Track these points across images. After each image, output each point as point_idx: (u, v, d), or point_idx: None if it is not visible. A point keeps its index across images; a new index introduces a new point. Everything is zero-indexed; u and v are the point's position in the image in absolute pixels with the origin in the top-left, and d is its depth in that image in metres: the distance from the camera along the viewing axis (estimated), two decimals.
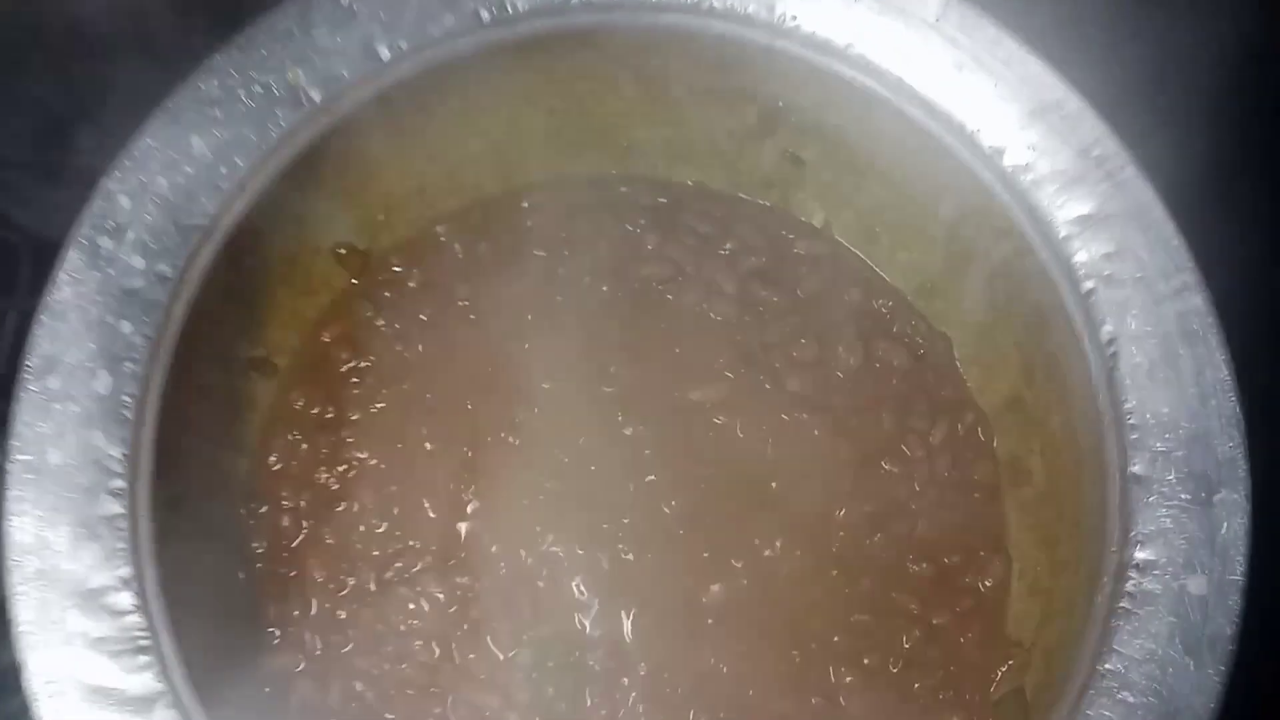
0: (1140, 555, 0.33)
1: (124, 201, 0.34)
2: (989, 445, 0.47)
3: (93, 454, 0.33)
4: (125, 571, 0.32)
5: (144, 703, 0.31)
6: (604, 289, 0.48)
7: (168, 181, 0.35)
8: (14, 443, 0.32)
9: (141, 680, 0.31)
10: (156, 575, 0.33)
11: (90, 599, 0.31)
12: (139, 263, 0.34)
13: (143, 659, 0.31)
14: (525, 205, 0.50)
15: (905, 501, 0.46)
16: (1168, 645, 0.32)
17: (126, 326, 0.34)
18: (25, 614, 0.31)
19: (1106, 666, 0.32)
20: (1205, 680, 0.32)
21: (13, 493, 0.32)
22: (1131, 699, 0.31)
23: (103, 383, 0.33)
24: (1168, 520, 0.33)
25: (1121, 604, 0.32)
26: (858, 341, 0.48)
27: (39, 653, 0.31)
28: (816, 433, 0.46)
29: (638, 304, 0.48)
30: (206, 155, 0.35)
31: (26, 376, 0.33)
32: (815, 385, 0.47)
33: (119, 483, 0.33)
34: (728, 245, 0.49)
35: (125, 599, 0.32)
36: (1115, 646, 0.32)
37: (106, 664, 0.31)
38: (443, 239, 0.49)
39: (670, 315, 0.48)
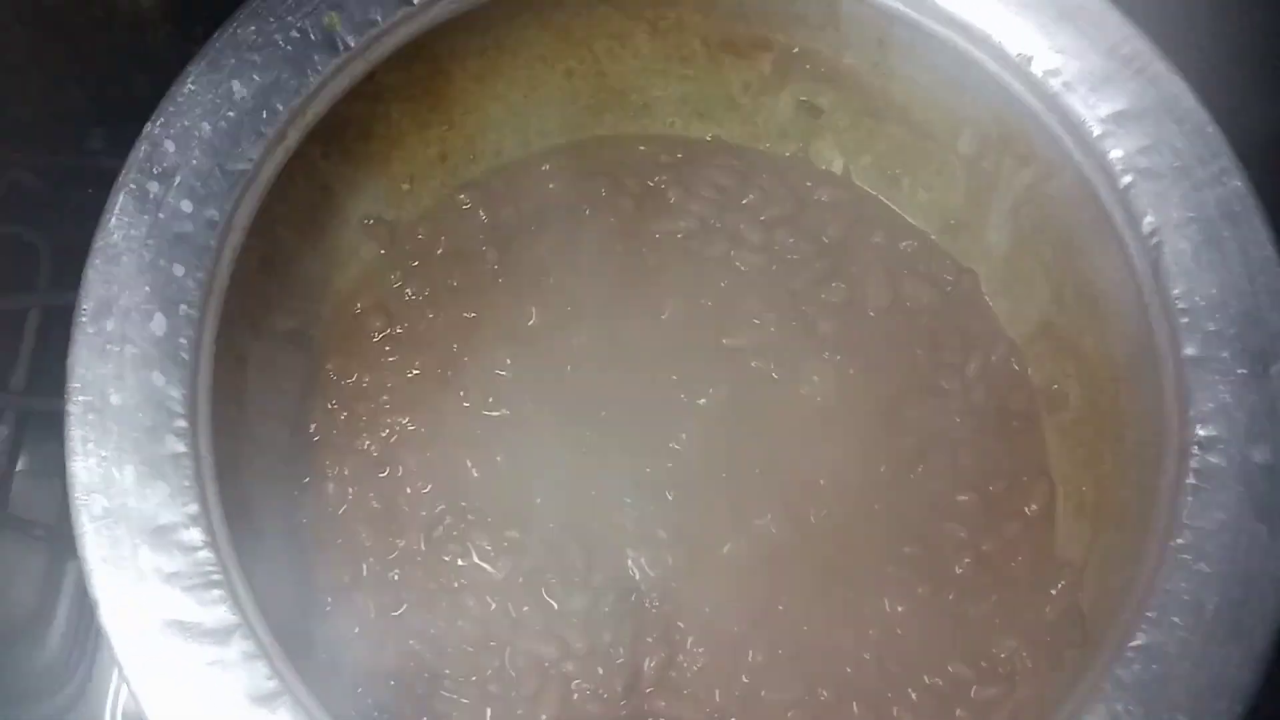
0: (1202, 432, 0.33)
1: (169, 146, 0.35)
2: (1023, 374, 0.47)
3: (153, 394, 0.33)
4: (193, 508, 0.32)
5: (221, 634, 0.31)
6: (630, 245, 0.49)
7: (211, 126, 0.35)
8: (73, 385, 0.32)
9: (217, 613, 0.31)
10: (222, 513, 0.32)
11: (160, 535, 0.31)
12: (187, 207, 0.34)
13: (216, 593, 0.31)
14: (546, 168, 0.50)
15: (945, 433, 0.46)
16: (1238, 515, 0.32)
17: (179, 270, 0.34)
18: (96, 552, 0.31)
19: (1179, 541, 0.32)
20: (1279, 546, 0.32)
21: (76, 433, 0.32)
22: (1208, 569, 0.31)
23: (159, 325, 0.33)
24: (1227, 395, 0.33)
25: (1188, 480, 0.33)
26: (886, 282, 0.48)
27: (112, 589, 0.30)
28: (852, 371, 0.47)
29: (665, 258, 0.48)
30: (247, 100, 0.36)
31: (82, 319, 0.33)
32: (847, 326, 0.47)
33: (181, 422, 0.33)
34: (750, 197, 0.50)
35: (195, 535, 0.31)
36: (1186, 522, 0.32)
37: (181, 598, 0.31)
38: (466, 206, 0.49)
39: (697, 267, 0.48)
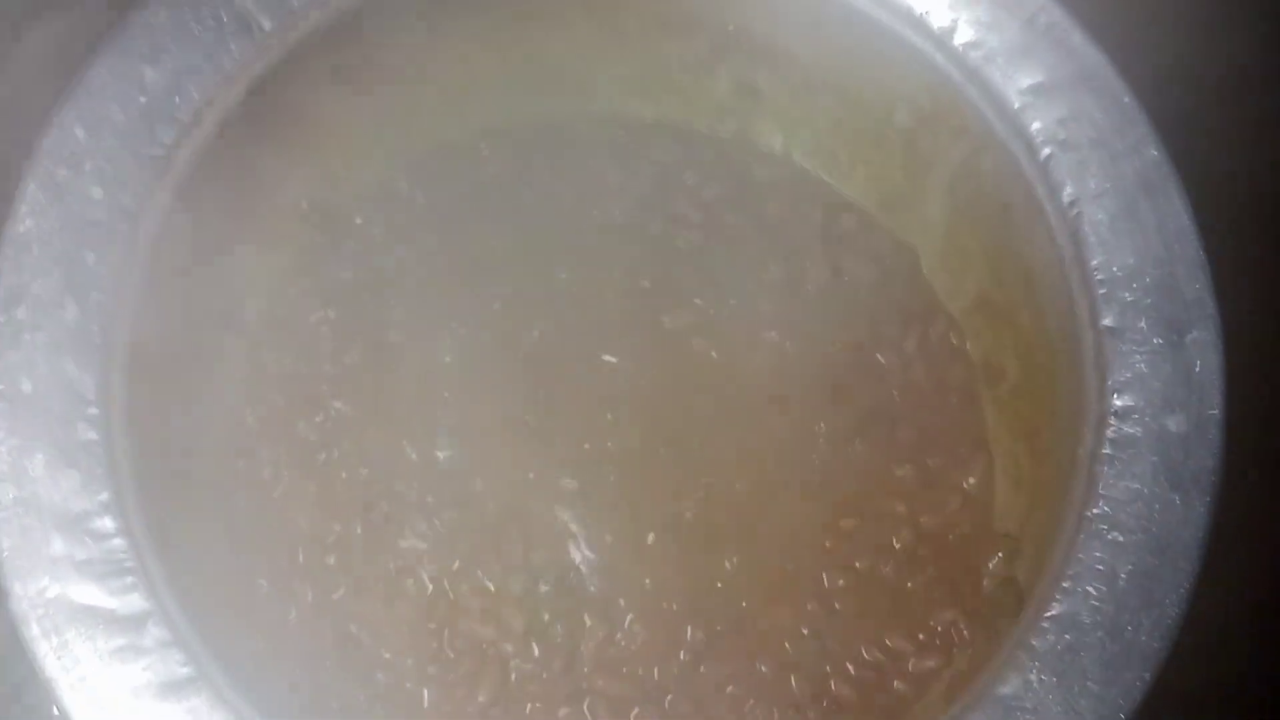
0: (1119, 402, 0.33)
1: (79, 133, 0.34)
2: (962, 348, 0.47)
3: (65, 382, 0.32)
4: (105, 496, 0.32)
5: (135, 621, 0.30)
6: (569, 227, 0.48)
7: (123, 112, 0.35)
8: None
9: (130, 600, 0.31)
10: (137, 499, 0.32)
11: (72, 524, 0.31)
12: (98, 193, 0.34)
13: (129, 579, 0.31)
14: (484, 151, 0.50)
15: (884, 408, 0.46)
16: (1153, 484, 0.32)
17: (91, 257, 0.33)
18: (7, 541, 0.31)
19: (1095, 511, 0.32)
20: (1192, 513, 0.32)
21: None
22: (1122, 538, 0.32)
23: (71, 312, 0.33)
24: (1143, 365, 0.33)
25: (1104, 450, 0.33)
26: (825, 259, 0.48)
27: (24, 578, 0.30)
28: (791, 349, 0.46)
29: (605, 239, 0.48)
30: (160, 85, 0.35)
31: None
32: (786, 304, 0.47)
33: (93, 410, 0.32)
34: (689, 176, 0.49)
35: (107, 523, 0.31)
36: (1102, 491, 0.32)
37: (93, 587, 0.31)
38: (404, 189, 0.49)
39: (638, 247, 0.48)
